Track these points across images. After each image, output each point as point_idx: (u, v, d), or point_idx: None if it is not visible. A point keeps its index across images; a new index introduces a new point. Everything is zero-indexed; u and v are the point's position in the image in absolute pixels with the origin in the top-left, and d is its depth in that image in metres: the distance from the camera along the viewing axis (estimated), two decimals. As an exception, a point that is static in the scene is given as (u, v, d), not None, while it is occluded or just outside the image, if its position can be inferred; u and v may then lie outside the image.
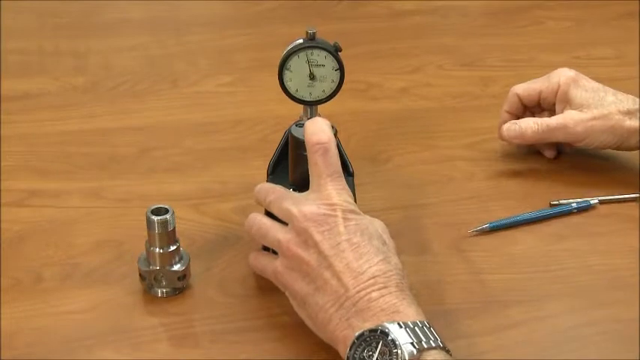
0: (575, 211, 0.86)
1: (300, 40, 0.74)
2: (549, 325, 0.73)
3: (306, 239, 0.67)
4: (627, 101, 0.88)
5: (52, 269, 0.78)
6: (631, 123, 0.86)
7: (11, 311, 0.73)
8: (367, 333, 0.62)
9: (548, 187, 0.90)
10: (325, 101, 0.75)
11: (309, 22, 1.26)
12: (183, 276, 0.74)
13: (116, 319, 0.73)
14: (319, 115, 0.76)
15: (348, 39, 1.19)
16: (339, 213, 0.67)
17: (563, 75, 0.91)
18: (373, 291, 0.64)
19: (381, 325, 0.62)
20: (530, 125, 0.90)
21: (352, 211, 0.68)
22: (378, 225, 0.70)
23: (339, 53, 0.74)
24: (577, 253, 0.81)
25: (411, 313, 0.64)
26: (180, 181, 0.90)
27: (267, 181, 0.80)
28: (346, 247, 0.66)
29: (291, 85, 0.74)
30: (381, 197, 0.88)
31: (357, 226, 0.67)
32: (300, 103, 0.75)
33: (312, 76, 0.74)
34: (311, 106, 0.76)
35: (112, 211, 0.85)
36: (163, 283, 0.74)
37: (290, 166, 0.76)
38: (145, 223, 0.72)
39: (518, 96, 0.93)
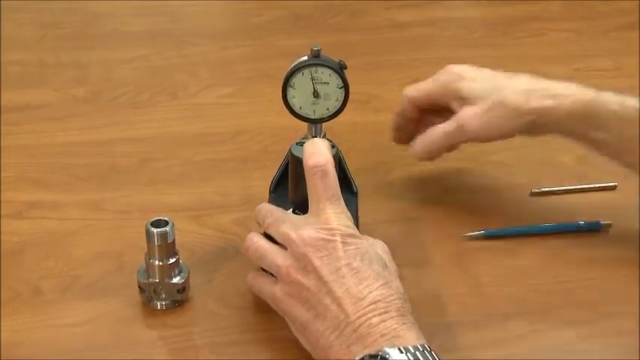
0: (584, 229, 0.84)
1: (305, 57, 0.73)
2: (551, 338, 0.73)
3: (305, 265, 0.66)
4: (522, 80, 0.81)
5: (52, 281, 0.77)
6: (532, 103, 0.79)
7: (11, 323, 0.73)
8: (367, 358, 0.61)
9: (552, 199, 0.89)
10: (329, 119, 0.75)
11: (309, 33, 1.26)
12: (182, 288, 0.74)
13: (115, 332, 0.72)
14: (324, 133, 0.76)
15: (348, 50, 1.19)
16: (338, 237, 0.66)
17: (447, 72, 0.84)
18: (374, 316, 0.63)
19: (382, 351, 0.61)
20: (433, 139, 0.84)
21: (352, 235, 0.67)
22: (379, 247, 0.69)
23: (344, 71, 0.73)
24: (578, 265, 0.81)
25: (412, 337, 0.63)
26: (180, 193, 0.89)
27: (268, 199, 0.80)
28: (346, 273, 0.65)
29: (294, 103, 0.74)
30: (382, 209, 0.87)
31: (357, 250, 0.66)
32: (303, 120, 0.75)
33: (316, 94, 0.74)
34: (315, 124, 0.75)
35: (111, 223, 0.85)
36: (163, 295, 0.74)
37: (290, 186, 0.75)
38: (144, 235, 0.72)
39: (411, 100, 0.86)
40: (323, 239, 0.66)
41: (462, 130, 0.82)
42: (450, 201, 0.89)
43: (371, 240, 0.70)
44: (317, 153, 0.69)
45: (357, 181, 0.81)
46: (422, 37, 1.28)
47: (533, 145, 0.99)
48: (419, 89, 0.87)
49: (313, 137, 0.75)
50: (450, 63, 1.18)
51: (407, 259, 0.79)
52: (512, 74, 0.83)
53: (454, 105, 0.83)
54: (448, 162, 0.95)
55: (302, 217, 0.70)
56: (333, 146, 0.73)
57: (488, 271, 0.80)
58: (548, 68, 1.18)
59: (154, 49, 1.21)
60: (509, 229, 0.84)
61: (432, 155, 0.86)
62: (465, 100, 0.82)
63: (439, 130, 0.84)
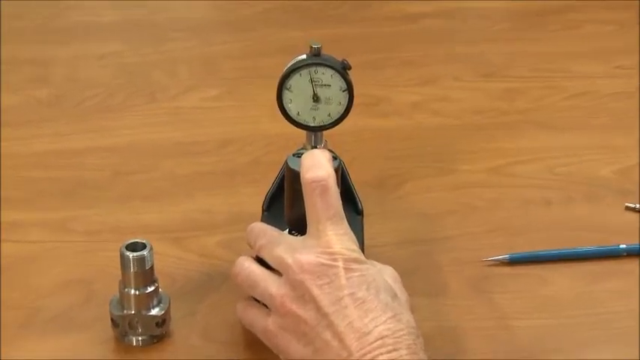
0: (624, 254, 0.85)
1: (303, 56, 0.74)
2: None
3: (302, 294, 0.66)
4: None
5: (8, 314, 0.77)
6: None
7: (-40, 364, 0.73)
8: None
9: (587, 219, 0.90)
10: (331, 127, 0.75)
11: (307, 26, 1.27)
12: (162, 321, 0.74)
13: (84, 371, 0.73)
14: (325, 142, 0.76)
15: (352, 46, 1.20)
16: (340, 263, 0.67)
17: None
18: (381, 354, 0.63)
19: None
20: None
21: (356, 260, 0.67)
22: (388, 274, 0.70)
23: (349, 72, 0.74)
24: (619, 293, 0.81)
25: None
26: (159, 211, 0.90)
27: (261, 218, 0.80)
28: (349, 303, 0.65)
29: (291, 108, 0.74)
30: (390, 230, 0.88)
31: (362, 277, 0.67)
32: (301, 128, 0.75)
33: (315, 98, 0.74)
34: (315, 133, 0.76)
35: (79, 246, 0.85)
36: (139, 329, 0.74)
37: (286, 203, 0.76)
38: (118, 260, 0.72)
39: None
40: (323, 265, 0.67)
41: None
42: (469, 220, 0.90)
43: (378, 266, 0.70)
44: (316, 166, 0.70)
45: (362, 197, 0.82)
46: (436, 31, 1.29)
47: (564, 156, 1.00)
48: None
49: (312, 147, 0.75)
50: (471, 58, 1.20)
51: (420, 288, 0.80)
52: None
53: None
54: (466, 174, 0.97)
55: (299, 238, 0.71)
56: (335, 158, 0.74)
57: (513, 302, 0.80)
58: (583, 66, 1.19)
59: (128, 45, 1.22)
60: (537, 253, 0.85)
61: None
62: None
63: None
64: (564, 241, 0.86)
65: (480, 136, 1.04)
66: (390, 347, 0.64)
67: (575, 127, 1.06)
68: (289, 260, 0.68)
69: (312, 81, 0.73)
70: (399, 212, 0.91)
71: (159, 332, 0.75)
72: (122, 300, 0.74)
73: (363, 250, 0.71)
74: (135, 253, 0.72)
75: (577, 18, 1.32)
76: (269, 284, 0.69)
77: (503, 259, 0.84)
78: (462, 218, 0.90)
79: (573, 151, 1.01)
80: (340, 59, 0.74)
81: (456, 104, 1.10)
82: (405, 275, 0.72)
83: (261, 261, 0.72)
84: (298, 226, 0.73)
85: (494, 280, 0.83)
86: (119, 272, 0.73)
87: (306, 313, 0.66)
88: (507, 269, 0.84)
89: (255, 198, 0.82)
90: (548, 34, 1.28)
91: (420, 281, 0.81)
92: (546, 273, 0.83)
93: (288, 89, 0.74)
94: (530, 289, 0.82)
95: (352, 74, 0.74)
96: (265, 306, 0.70)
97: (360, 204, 0.81)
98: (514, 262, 0.84)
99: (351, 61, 0.74)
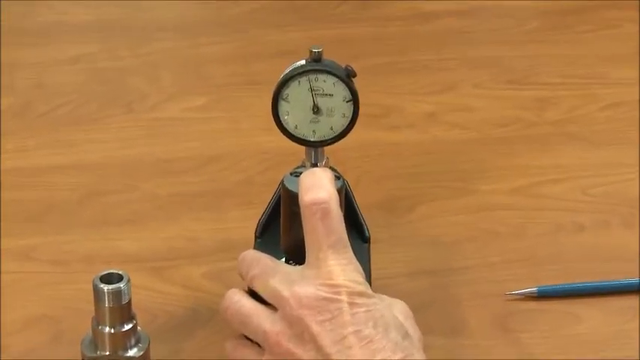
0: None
1: (302, 62, 0.74)
2: None
3: (301, 331, 0.67)
4: None
5: (-34, 356, 0.78)
6: None
7: None
8: None
9: (625, 247, 0.91)
10: (333, 142, 0.75)
11: (306, 25, 1.27)
12: (140, 364, 0.75)
13: (52, 422, 0.73)
14: (327, 159, 0.77)
15: (357, 48, 1.20)
16: (344, 297, 0.67)
17: None
18: None
19: None
20: None
21: (362, 294, 0.68)
22: (398, 310, 0.70)
23: (353, 79, 0.74)
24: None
25: None
26: (137, 238, 0.91)
27: (254, 245, 0.80)
28: (354, 343, 0.66)
29: (288, 120, 0.74)
30: (400, 259, 0.89)
31: (369, 313, 0.67)
32: (300, 143, 0.75)
33: (316, 109, 0.74)
34: (315, 148, 0.76)
35: (46, 278, 0.86)
36: (115, 373, 0.75)
37: (282, 228, 0.76)
38: (90, 293, 0.72)
39: None
40: (325, 299, 0.67)
41: None
42: (491, 248, 0.91)
43: (387, 300, 0.70)
44: (317, 186, 0.70)
45: (369, 221, 0.82)
46: (455, 31, 1.29)
47: (599, 175, 1.00)
48: None
49: (312, 165, 0.76)
50: (491, 63, 1.20)
51: (435, 325, 0.80)
52: None
53: None
54: (487, 196, 0.97)
55: (297, 268, 0.71)
56: (338, 177, 0.74)
57: (541, 342, 0.81)
58: (622, 71, 1.19)
59: (103, 46, 1.22)
60: (569, 286, 0.85)
61: None
62: None
63: None
64: (599, 273, 0.87)
65: (503, 151, 1.05)
66: None
67: (612, 141, 1.06)
68: (286, 293, 0.68)
69: (311, 90, 0.73)
70: (411, 239, 0.92)
71: (137, 376, 0.75)
72: (95, 339, 0.74)
73: (369, 283, 0.71)
74: (110, 286, 0.72)
75: (615, 16, 1.32)
76: (262, 320, 0.69)
77: (529, 292, 0.85)
78: (483, 246, 0.91)
79: (610, 169, 1.01)
80: (344, 65, 0.74)
81: (476, 115, 1.11)
82: (418, 311, 0.72)
83: (254, 294, 0.72)
84: (296, 255, 0.73)
85: (520, 316, 0.83)
86: (92, 308, 0.72)
87: (305, 354, 0.66)
88: (534, 304, 0.84)
89: (247, 222, 0.82)
90: (581, 34, 1.29)
91: (435, 317, 0.82)
92: (579, 309, 0.84)
93: (284, 99, 0.74)
94: (561, 328, 0.82)
95: (357, 81, 0.74)
96: (258, 345, 0.70)
97: (366, 230, 0.82)
98: (542, 296, 0.85)
99: (356, 66, 0.74)
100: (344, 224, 0.70)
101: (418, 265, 0.88)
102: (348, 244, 0.70)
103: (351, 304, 0.67)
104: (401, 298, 0.72)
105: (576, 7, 1.34)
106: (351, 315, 0.66)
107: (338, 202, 0.70)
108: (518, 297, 0.84)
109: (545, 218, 0.94)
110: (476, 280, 0.87)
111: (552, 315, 0.83)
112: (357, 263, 0.70)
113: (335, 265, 0.68)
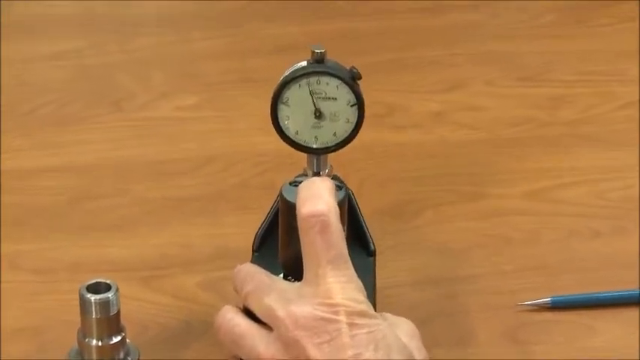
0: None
1: (304, 63, 0.74)
2: None
3: (297, 354, 0.66)
4: None
5: (-53, 369, 0.78)
6: None
7: None
8: None
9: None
10: (336, 149, 0.75)
11: (305, 19, 1.27)
12: (130, 378, 0.75)
13: None
14: (330, 167, 0.77)
15: (360, 43, 1.21)
16: (342, 317, 0.66)
17: None
18: None
19: None
20: None
21: (363, 314, 0.67)
22: (403, 330, 0.69)
23: (358, 82, 0.73)
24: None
25: None
26: (126, 245, 0.91)
27: (251, 259, 0.80)
28: None
29: (289, 126, 0.74)
30: (406, 267, 0.89)
31: (370, 334, 0.66)
32: (301, 150, 0.75)
33: (318, 114, 0.74)
34: (317, 155, 0.76)
35: (29, 287, 0.86)
36: (102, 388, 0.75)
37: (280, 242, 0.76)
38: (77, 304, 0.72)
39: None
40: (322, 319, 0.66)
41: None
42: (502, 255, 0.91)
43: (391, 319, 0.70)
44: (315, 197, 0.69)
45: (373, 228, 0.83)
46: (464, 26, 1.30)
47: (616, 178, 1.00)
48: None
49: (315, 173, 0.75)
50: (504, 59, 1.20)
51: (442, 338, 0.80)
52: None
53: None
54: (498, 200, 0.97)
55: (295, 286, 0.70)
56: (340, 187, 0.74)
57: (555, 354, 0.81)
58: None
59: (89, 41, 1.23)
60: (584, 296, 0.86)
61: None
62: None
63: None
64: (616, 282, 0.87)
65: (514, 153, 1.05)
66: None
67: (631, 142, 1.06)
68: (281, 313, 0.67)
69: (313, 93, 0.73)
70: (417, 245, 0.92)
71: (126, 392, 0.75)
72: (82, 352, 0.74)
73: (374, 299, 0.72)
74: (97, 296, 0.72)
75: (635, 9, 1.31)
76: (257, 341, 0.69)
77: (543, 303, 0.85)
78: (494, 253, 0.91)
79: (627, 171, 1.01)
80: (348, 67, 0.73)
81: (487, 114, 1.11)
82: (425, 323, 0.72)
83: (250, 312, 0.71)
84: (295, 270, 0.73)
85: (533, 328, 0.83)
86: (78, 319, 0.73)
87: None
88: (548, 315, 0.84)
89: (243, 229, 0.83)
90: (598, 28, 1.29)
91: (443, 330, 0.82)
92: (595, 320, 0.84)
93: (284, 103, 0.74)
94: (576, 340, 0.82)
95: (362, 79, 0.74)
96: None
97: (371, 243, 0.81)
98: (556, 306, 0.85)
99: (359, 62, 0.73)
100: (344, 238, 0.69)
101: (424, 274, 0.88)
102: (349, 259, 0.69)
103: (351, 325, 0.66)
104: (406, 309, 0.72)
105: (591, 1, 1.34)
106: (351, 337, 0.66)
107: (338, 215, 0.69)
108: (531, 307, 0.85)
109: (559, 224, 0.95)
110: (486, 290, 0.87)
111: (567, 326, 0.84)
112: (359, 281, 0.69)
113: (334, 282, 0.68)
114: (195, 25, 1.28)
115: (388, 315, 0.70)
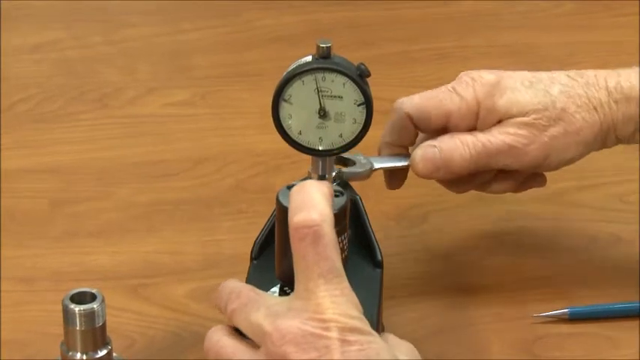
0: None
1: (308, 58, 0.74)
2: None
3: None
4: (580, 82, 0.89)
5: None
6: (608, 111, 0.87)
7: None
8: None
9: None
10: (342, 151, 0.76)
11: (307, 8, 1.27)
12: (116, 394, 0.76)
13: None
14: (337, 171, 0.77)
15: (366, 34, 1.21)
16: (333, 333, 0.66)
17: (477, 83, 0.88)
18: None
19: None
20: (458, 148, 0.86)
21: (355, 330, 0.67)
22: (401, 350, 0.70)
23: (367, 80, 0.74)
24: None
25: None
26: (112, 252, 0.92)
27: (249, 268, 0.81)
28: None
29: (292, 125, 0.75)
30: (412, 275, 0.90)
31: (362, 352, 0.67)
32: (305, 152, 0.76)
33: (323, 113, 0.75)
34: (322, 158, 0.77)
35: (9, 297, 0.87)
36: (87, 405, 0.76)
37: (277, 251, 0.76)
38: (59, 315, 0.73)
39: (409, 118, 0.88)
40: (312, 335, 0.67)
41: (512, 153, 0.85)
42: (517, 263, 0.92)
43: (392, 341, 0.71)
44: (307, 205, 0.69)
45: (377, 230, 0.82)
46: (478, 15, 1.31)
47: (638, 181, 1.01)
48: (425, 104, 0.88)
49: (320, 177, 0.76)
50: (521, 51, 1.20)
51: (452, 351, 0.81)
52: (560, 73, 0.89)
53: (486, 120, 0.87)
54: (512, 203, 0.98)
55: (284, 300, 0.71)
56: (341, 193, 0.74)
57: (574, 369, 0.82)
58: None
59: (70, 32, 1.24)
60: (604, 307, 0.87)
61: (448, 170, 0.85)
62: (505, 115, 0.86)
63: (474, 140, 0.86)
64: (638, 292, 0.88)
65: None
66: None
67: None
68: (268, 328, 0.68)
69: (318, 91, 0.74)
70: (425, 251, 0.93)
71: (112, 408, 0.76)
72: (66, 366, 0.76)
73: (379, 311, 0.72)
74: (82, 307, 0.72)
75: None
76: (242, 358, 0.70)
77: (561, 314, 0.86)
78: (506, 261, 0.92)
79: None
80: (356, 63, 0.74)
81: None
82: (432, 336, 0.73)
83: (239, 330, 0.72)
84: (292, 281, 0.72)
85: (549, 341, 0.84)
86: (61, 331, 0.73)
87: None
88: (566, 327, 0.86)
89: (238, 235, 0.85)
90: (623, 18, 1.29)
91: (453, 343, 0.83)
92: (616, 332, 0.85)
93: (287, 101, 0.74)
94: (595, 353, 0.83)
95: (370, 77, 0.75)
96: None
97: (379, 254, 0.81)
98: (574, 318, 0.86)
99: (363, 55, 0.75)
100: (338, 250, 0.69)
101: (432, 283, 0.89)
102: (343, 272, 0.69)
103: (342, 342, 0.67)
104: (412, 321, 0.73)
105: (616, -13, 1.35)
106: (341, 353, 0.66)
107: (332, 224, 0.69)
108: (548, 319, 0.86)
109: (576, 229, 0.96)
110: (498, 301, 0.88)
111: (586, 339, 0.85)
112: (353, 295, 0.69)
113: (325, 296, 0.68)
114: (186, 14, 1.28)
115: (390, 336, 0.71)
